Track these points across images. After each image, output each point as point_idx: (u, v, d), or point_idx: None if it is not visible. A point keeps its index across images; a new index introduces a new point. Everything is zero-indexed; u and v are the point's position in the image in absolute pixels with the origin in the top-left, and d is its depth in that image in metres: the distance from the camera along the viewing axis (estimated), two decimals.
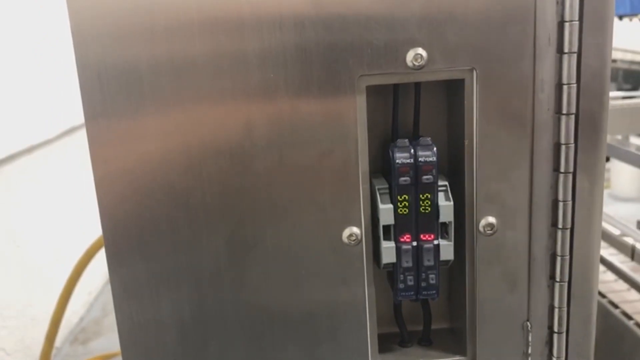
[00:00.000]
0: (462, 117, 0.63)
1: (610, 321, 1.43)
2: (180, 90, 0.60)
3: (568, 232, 0.64)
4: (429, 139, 0.64)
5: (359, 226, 0.64)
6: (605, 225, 1.79)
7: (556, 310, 0.66)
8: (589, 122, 0.62)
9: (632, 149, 1.80)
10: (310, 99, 0.60)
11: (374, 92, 0.65)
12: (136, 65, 0.59)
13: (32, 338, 2.10)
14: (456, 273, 0.70)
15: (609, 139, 1.89)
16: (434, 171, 0.63)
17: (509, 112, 0.62)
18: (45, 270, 2.32)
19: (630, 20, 4.28)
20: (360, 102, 0.61)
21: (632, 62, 3.96)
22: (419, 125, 0.67)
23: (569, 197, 0.63)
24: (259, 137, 0.61)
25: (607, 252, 1.69)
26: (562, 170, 0.63)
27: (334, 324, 0.67)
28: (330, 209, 0.63)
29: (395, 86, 0.66)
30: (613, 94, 2.32)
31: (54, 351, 2.41)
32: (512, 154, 0.63)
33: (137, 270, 0.64)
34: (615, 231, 1.77)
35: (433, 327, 0.74)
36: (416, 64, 0.60)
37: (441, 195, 0.65)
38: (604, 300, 1.49)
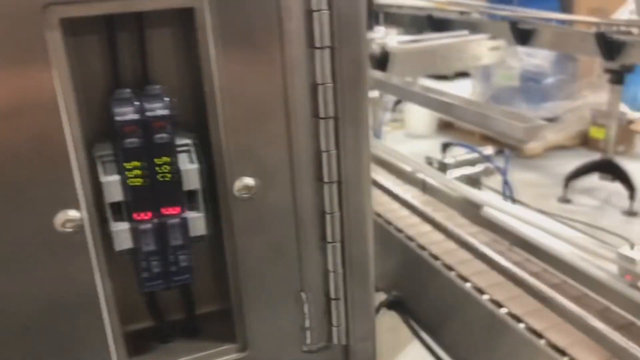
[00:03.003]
0: (198, 57, 0.50)
1: (409, 255, 1.46)
2: None
3: (335, 185, 0.56)
4: (157, 87, 0.50)
5: (78, 208, 0.49)
6: (399, 163, 1.84)
7: (331, 275, 0.58)
8: (348, 58, 0.53)
9: (418, 89, 1.85)
10: None
11: (81, 30, 0.49)
12: None
13: None
14: (215, 247, 0.59)
15: (399, 81, 1.94)
16: (168, 128, 0.50)
17: (253, 47, 0.50)
18: None
19: None
20: (54, 43, 0.45)
21: (415, 8, 4.16)
22: (147, 72, 0.53)
23: (333, 146, 0.55)
24: None
25: (401, 189, 1.73)
26: (321, 115, 0.53)
27: (67, 329, 0.52)
28: (32, 191, 0.47)
29: (110, 21, 0.51)
30: (400, 37, 2.38)
31: None
32: (264, 100, 0.52)
33: None
34: (408, 168, 1.83)
35: (200, 312, 0.62)
36: None
37: (183, 157, 0.52)
38: (400, 235, 1.51)
